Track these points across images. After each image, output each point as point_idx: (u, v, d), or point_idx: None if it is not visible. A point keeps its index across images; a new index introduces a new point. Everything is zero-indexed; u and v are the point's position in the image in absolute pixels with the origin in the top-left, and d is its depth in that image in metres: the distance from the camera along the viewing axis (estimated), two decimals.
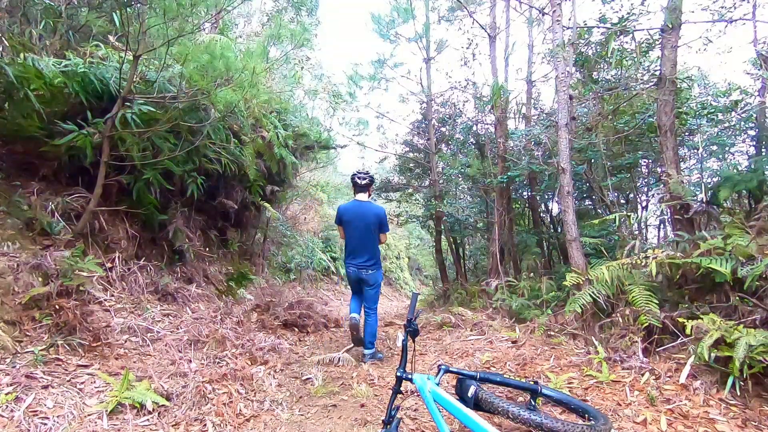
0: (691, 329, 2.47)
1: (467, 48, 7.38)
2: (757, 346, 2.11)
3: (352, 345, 3.90)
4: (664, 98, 3.46)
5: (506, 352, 3.40)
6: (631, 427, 2.13)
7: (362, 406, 2.66)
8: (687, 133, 4.74)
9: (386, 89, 8.58)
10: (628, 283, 2.99)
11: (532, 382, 2.19)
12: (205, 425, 2.23)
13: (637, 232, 4.86)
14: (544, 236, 6.58)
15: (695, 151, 5.08)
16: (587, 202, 6.25)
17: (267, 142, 5.38)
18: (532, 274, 5.40)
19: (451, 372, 2.12)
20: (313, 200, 10.08)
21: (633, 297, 2.82)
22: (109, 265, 3.54)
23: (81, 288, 2.96)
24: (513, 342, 3.66)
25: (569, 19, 4.51)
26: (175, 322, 3.54)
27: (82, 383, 2.32)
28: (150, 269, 3.95)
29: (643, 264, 3.01)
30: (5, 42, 3.25)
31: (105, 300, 3.23)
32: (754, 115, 4.10)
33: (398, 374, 1.95)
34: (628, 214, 4.14)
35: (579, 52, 4.57)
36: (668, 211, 3.92)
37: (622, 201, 5.64)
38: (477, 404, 1.96)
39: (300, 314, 4.62)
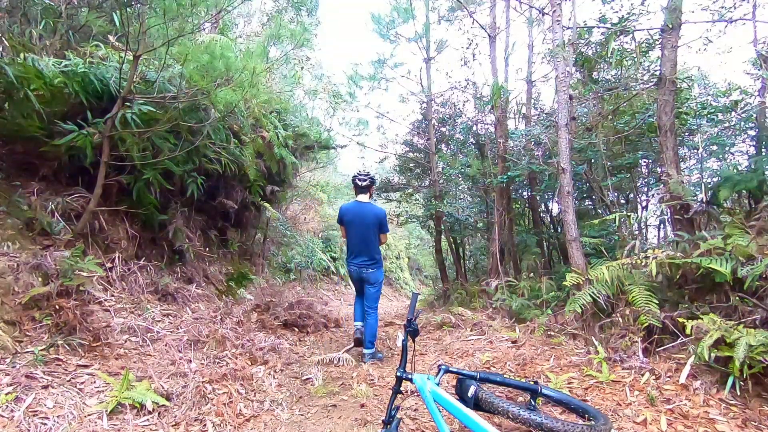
0: (691, 329, 2.47)
1: (467, 48, 7.38)
2: (757, 346, 2.11)
3: (353, 345, 3.90)
4: (664, 98, 3.47)
5: (506, 352, 3.40)
6: (631, 427, 2.13)
7: (362, 406, 2.66)
8: (687, 133, 4.74)
9: (386, 89, 8.58)
10: (628, 283, 2.99)
11: (532, 382, 2.19)
12: (205, 425, 2.23)
13: (637, 232, 4.86)
14: (544, 236, 6.57)
15: (695, 151, 5.08)
16: (587, 202, 6.25)
17: (267, 142, 5.38)
18: (532, 274, 5.40)
19: (451, 372, 2.12)
20: (313, 200, 10.08)
21: (633, 297, 2.82)
22: (109, 265, 3.54)
23: (81, 288, 2.96)
24: (513, 342, 3.66)
25: (569, 19, 4.51)
26: (175, 322, 3.54)
27: (82, 383, 2.32)
28: (150, 269, 3.95)
29: (643, 264, 3.01)
30: (5, 42, 3.25)
31: (105, 300, 3.23)
32: (754, 115, 4.09)
33: (398, 374, 1.95)
34: (628, 214, 4.14)
35: (579, 52, 4.57)
36: (668, 211, 3.92)
37: (622, 201, 5.64)
38: (477, 404, 1.97)
39: (300, 314, 4.62)
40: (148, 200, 3.97)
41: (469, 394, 1.98)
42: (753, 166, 3.35)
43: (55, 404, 2.08)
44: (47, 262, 2.86)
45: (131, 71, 3.27)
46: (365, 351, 3.66)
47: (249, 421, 2.40)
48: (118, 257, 3.67)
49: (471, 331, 4.21)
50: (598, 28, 4.47)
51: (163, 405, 2.28)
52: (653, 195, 5.46)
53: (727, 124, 4.47)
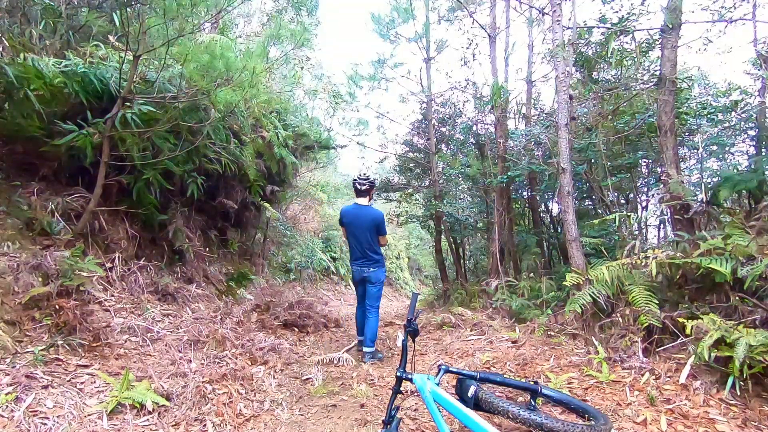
0: (691, 329, 2.47)
1: (467, 48, 7.37)
2: (757, 346, 2.11)
3: (353, 345, 3.91)
4: (664, 98, 3.47)
5: (506, 352, 3.40)
6: (631, 427, 2.13)
7: (362, 406, 2.67)
8: (687, 133, 4.74)
9: (386, 89, 8.56)
10: (628, 283, 2.99)
11: (532, 382, 2.19)
12: (205, 425, 2.23)
13: (637, 232, 4.86)
14: (544, 236, 6.57)
15: (695, 151, 5.07)
16: (587, 202, 6.25)
17: (267, 142, 5.38)
18: (532, 274, 5.40)
19: (451, 372, 2.12)
20: (313, 200, 10.08)
21: (633, 297, 2.82)
22: (109, 265, 3.54)
23: (81, 288, 2.96)
24: (513, 342, 3.66)
25: (569, 19, 4.51)
26: (175, 322, 3.54)
27: (82, 383, 2.32)
28: (150, 269, 3.95)
29: (643, 264, 3.01)
30: (5, 42, 3.25)
31: (105, 300, 3.23)
32: (754, 115, 4.09)
33: (398, 374, 1.95)
34: (628, 214, 4.13)
35: (579, 52, 4.57)
36: (668, 211, 3.92)
37: (622, 201, 5.63)
38: (477, 404, 1.97)
39: (300, 314, 4.62)
40: (148, 200, 3.97)
41: (469, 394, 1.98)
42: (753, 166, 3.35)
43: (55, 404, 2.08)
44: (47, 262, 2.86)
45: (131, 71, 3.27)
46: (365, 350, 3.69)
47: (249, 421, 2.40)
48: (118, 257, 3.67)
49: (471, 331, 4.21)
50: (598, 28, 4.47)
51: (163, 405, 2.28)
52: (653, 195, 5.45)
53: (727, 124, 4.47)
